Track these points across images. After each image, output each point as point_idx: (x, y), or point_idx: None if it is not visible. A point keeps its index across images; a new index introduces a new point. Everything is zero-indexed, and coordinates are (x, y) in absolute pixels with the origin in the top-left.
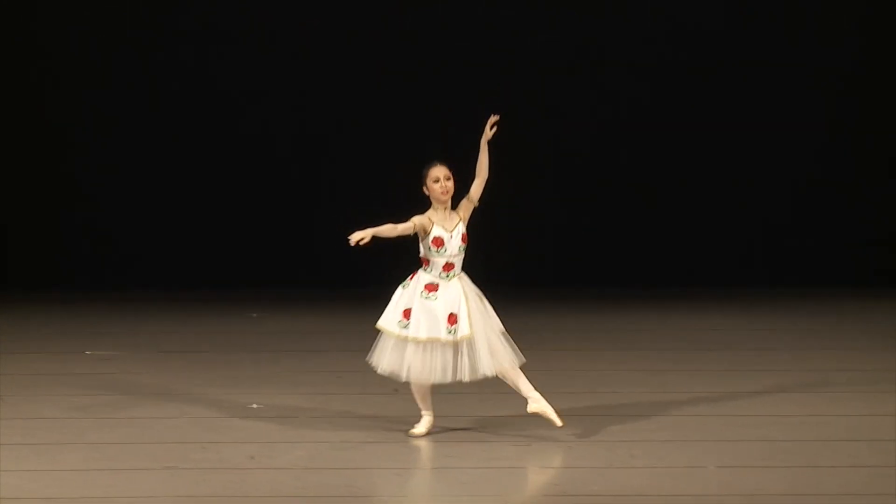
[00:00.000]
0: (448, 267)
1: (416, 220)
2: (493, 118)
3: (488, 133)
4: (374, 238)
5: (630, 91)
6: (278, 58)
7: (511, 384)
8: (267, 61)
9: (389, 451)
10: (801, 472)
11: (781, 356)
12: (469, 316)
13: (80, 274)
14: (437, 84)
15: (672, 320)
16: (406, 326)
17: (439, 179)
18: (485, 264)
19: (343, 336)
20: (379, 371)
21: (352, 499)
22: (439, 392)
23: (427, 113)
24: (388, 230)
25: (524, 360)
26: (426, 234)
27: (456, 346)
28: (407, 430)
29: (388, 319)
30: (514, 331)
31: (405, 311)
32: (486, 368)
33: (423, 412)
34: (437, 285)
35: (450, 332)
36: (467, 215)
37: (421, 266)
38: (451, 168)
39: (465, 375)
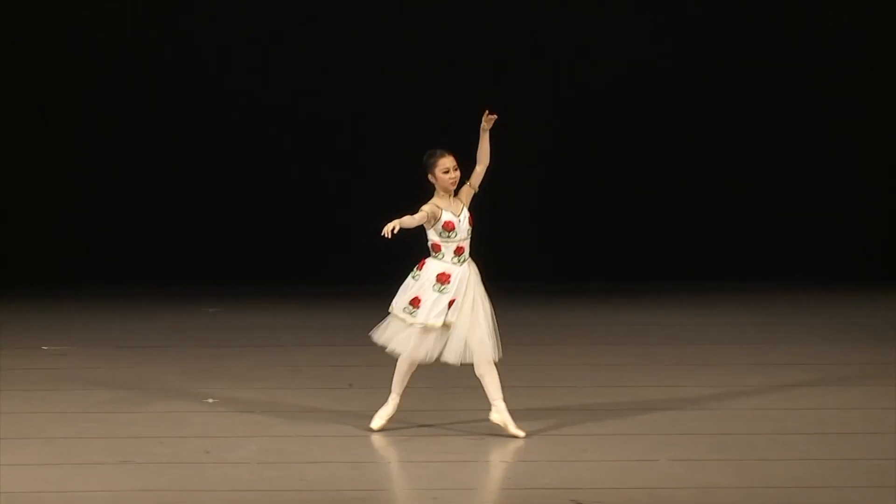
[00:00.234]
0: (459, 250)
1: (427, 209)
2: (487, 115)
3: (486, 123)
4: (403, 228)
5: (625, 89)
6: (276, 57)
7: (482, 380)
8: (265, 61)
9: (345, 445)
10: (751, 465)
11: (733, 351)
12: (460, 306)
13: (39, 270)
14: (437, 82)
15: (624, 315)
16: (413, 313)
17: (448, 170)
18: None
19: (299, 332)
20: (380, 344)
21: (307, 493)
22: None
23: (424, 112)
24: (409, 220)
25: (500, 355)
26: (436, 220)
27: (447, 328)
28: (365, 426)
29: (398, 304)
30: None
31: (414, 298)
32: (454, 357)
33: (393, 394)
34: (450, 275)
35: (448, 314)
36: (468, 200)
37: (430, 253)
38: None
39: (454, 359)
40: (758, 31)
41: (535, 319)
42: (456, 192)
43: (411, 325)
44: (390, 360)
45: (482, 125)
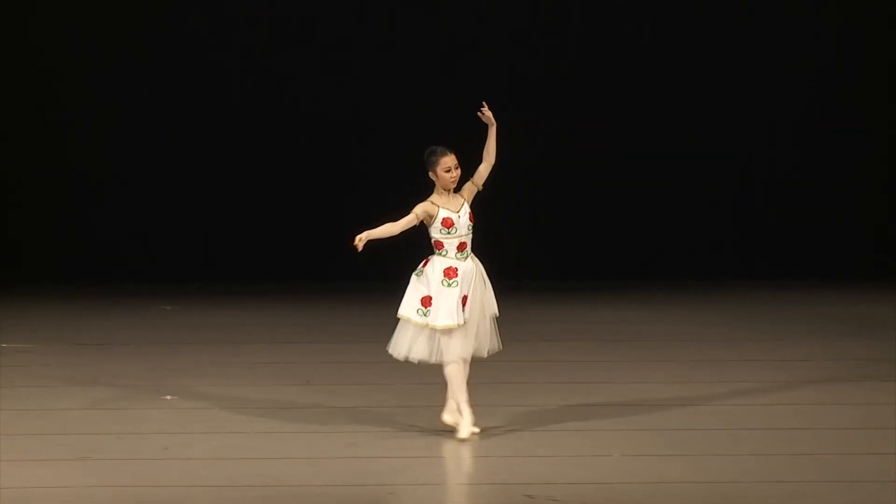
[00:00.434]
0: (462, 247)
1: (420, 210)
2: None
3: (487, 119)
4: (373, 240)
5: (625, 89)
6: (274, 56)
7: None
8: (261, 60)
9: (302, 441)
10: (704, 461)
11: (687, 347)
12: (485, 297)
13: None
14: (436, 80)
15: (582, 312)
16: (426, 314)
17: (450, 169)
18: None
19: (256, 329)
20: (401, 359)
21: (266, 488)
22: (349, 382)
23: (422, 111)
24: (388, 230)
25: (501, 348)
26: (432, 218)
27: (472, 325)
28: (321, 421)
29: (408, 308)
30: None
31: (424, 298)
32: (493, 345)
33: (462, 403)
34: (456, 269)
35: (464, 312)
36: (471, 197)
37: (434, 251)
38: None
39: (484, 352)
40: (755, 29)
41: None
42: (458, 189)
43: (426, 326)
44: (347, 357)
45: (486, 121)
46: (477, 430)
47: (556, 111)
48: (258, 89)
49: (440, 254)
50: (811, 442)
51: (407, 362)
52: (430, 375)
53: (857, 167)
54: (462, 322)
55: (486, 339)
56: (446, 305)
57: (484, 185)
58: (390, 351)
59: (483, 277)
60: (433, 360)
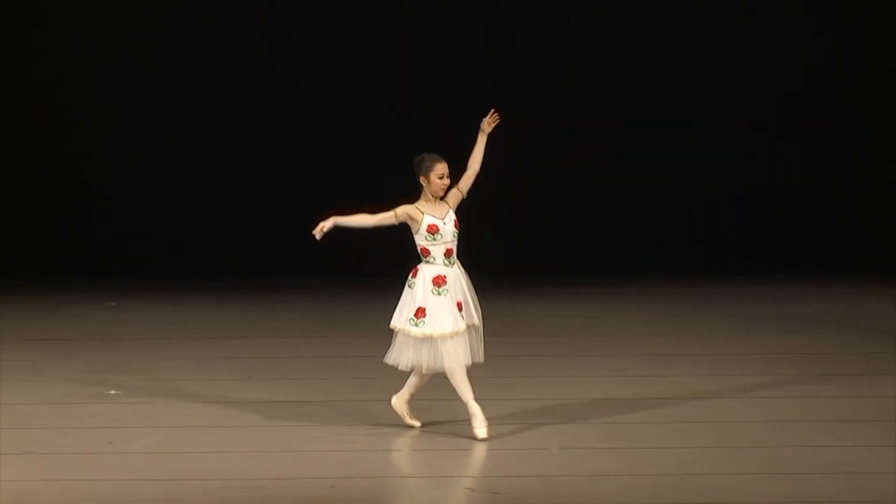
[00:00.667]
0: (448, 252)
1: (401, 211)
2: (493, 115)
3: (487, 125)
4: (338, 227)
5: (623, 88)
6: (274, 56)
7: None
8: (261, 59)
9: (245, 435)
10: (641, 453)
11: (623, 342)
12: (472, 304)
13: None
14: (429, 80)
15: (522, 307)
16: (418, 324)
17: (442, 176)
18: None
19: (200, 324)
20: (400, 368)
21: (209, 482)
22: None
23: (415, 114)
24: (361, 220)
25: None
26: (417, 224)
27: (466, 333)
28: (264, 415)
29: (402, 319)
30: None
31: (418, 309)
32: (478, 357)
33: (469, 403)
34: (445, 276)
35: (462, 318)
36: (456, 204)
37: (421, 259)
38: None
39: (480, 357)
40: (755, 29)
41: None
42: (443, 197)
43: (424, 336)
44: (289, 352)
45: (482, 126)
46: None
47: (554, 110)
48: (258, 89)
49: (427, 261)
50: (747, 434)
51: (348, 359)
52: (371, 370)
53: (857, 167)
54: (462, 327)
55: (477, 345)
56: (442, 313)
57: (468, 192)
58: (390, 362)
59: (468, 285)
60: (433, 369)
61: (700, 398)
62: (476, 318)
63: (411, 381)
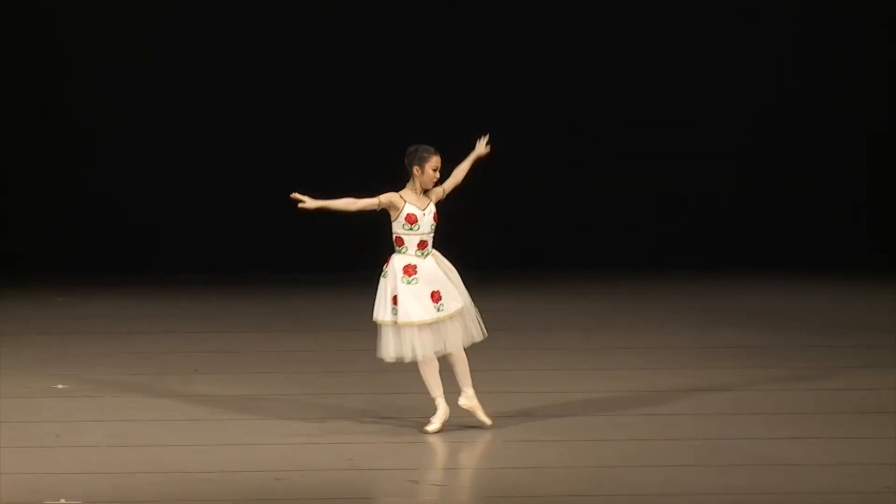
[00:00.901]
0: (422, 245)
1: (384, 197)
2: (484, 141)
3: (481, 149)
4: (323, 209)
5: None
6: (274, 56)
7: (454, 365)
8: (260, 59)
9: (192, 429)
10: (582, 446)
11: (567, 335)
12: (455, 288)
13: None
14: (423, 80)
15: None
16: (396, 312)
17: (437, 168)
18: None
19: (147, 319)
20: (388, 360)
21: (156, 475)
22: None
23: (414, 113)
24: (345, 204)
25: (485, 335)
26: (397, 211)
27: (448, 320)
28: (210, 409)
29: (382, 311)
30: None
31: (392, 297)
32: (477, 335)
33: (437, 399)
34: (415, 266)
35: (437, 309)
36: (436, 200)
37: (394, 249)
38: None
39: (459, 344)
40: (755, 28)
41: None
42: (428, 190)
43: (398, 324)
44: (235, 346)
45: (478, 147)
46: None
47: (549, 109)
48: (257, 89)
49: (399, 251)
50: (687, 427)
51: (294, 353)
52: (320, 364)
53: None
54: (430, 318)
55: (473, 325)
56: (411, 302)
57: (433, 220)
58: (380, 356)
59: (452, 270)
60: (409, 359)
61: (640, 391)
62: (461, 303)
63: (459, 375)
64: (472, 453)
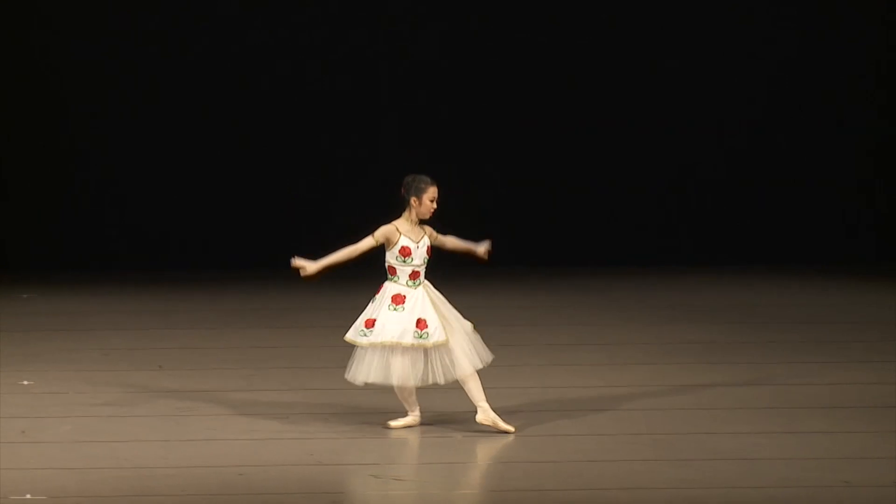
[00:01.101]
0: (414, 275)
1: (380, 233)
2: (486, 247)
3: (480, 250)
4: (326, 269)
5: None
6: (273, 54)
7: (465, 386)
8: (261, 59)
9: (155, 424)
10: (541, 441)
11: (526, 331)
12: (442, 321)
13: None
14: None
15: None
16: (366, 334)
17: (434, 200)
18: None
19: (111, 315)
20: (357, 383)
21: (120, 470)
22: (200, 368)
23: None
24: (347, 254)
25: (492, 356)
26: (392, 244)
27: (427, 351)
28: (174, 405)
29: (353, 330)
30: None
31: (367, 320)
32: (465, 368)
33: (409, 412)
34: (405, 296)
35: (419, 336)
36: (429, 236)
37: (387, 276)
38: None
39: (441, 378)
40: (754, 28)
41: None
42: (424, 221)
43: (368, 345)
44: (198, 342)
45: (479, 250)
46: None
47: (541, 109)
48: (259, 89)
49: (392, 279)
50: (644, 422)
51: (256, 349)
52: (277, 360)
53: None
54: (408, 343)
55: (462, 354)
56: (390, 323)
57: (426, 253)
58: (348, 378)
59: (444, 301)
60: (391, 382)
61: (598, 386)
62: (443, 336)
63: (472, 393)
64: (433, 449)
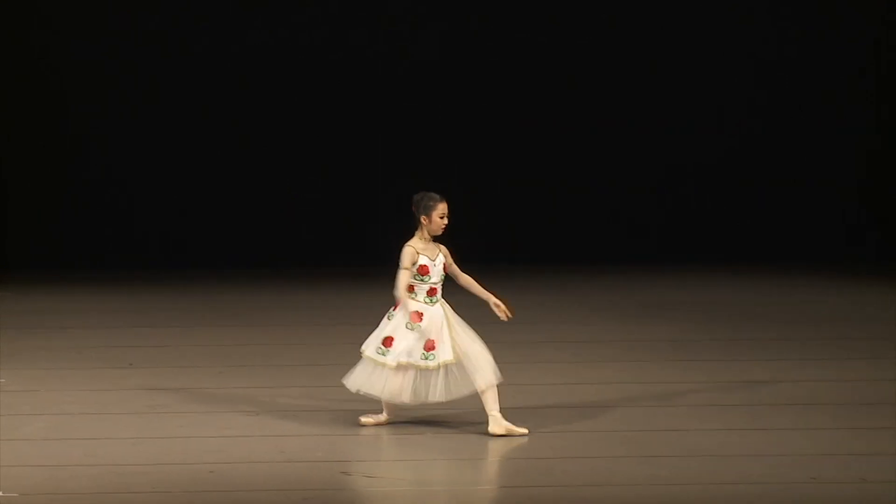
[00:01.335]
0: (432, 292)
1: (408, 261)
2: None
3: (500, 309)
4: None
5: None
6: (273, 53)
7: (483, 397)
8: (259, 58)
9: (127, 422)
10: (511, 438)
11: (496, 328)
12: (453, 341)
13: None
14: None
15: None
16: (384, 353)
17: (444, 216)
18: None
19: (83, 314)
20: (352, 391)
21: (92, 467)
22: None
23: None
24: (404, 280)
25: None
26: (412, 265)
27: (430, 371)
28: (146, 402)
29: (370, 345)
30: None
31: (387, 338)
32: (466, 389)
33: (384, 413)
34: (422, 313)
35: (426, 357)
36: (445, 256)
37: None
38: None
39: (441, 397)
40: (753, 28)
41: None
42: (436, 239)
43: (382, 364)
44: (170, 340)
45: (496, 306)
46: (371, 421)
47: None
48: (259, 89)
49: (410, 296)
50: (616, 419)
51: (227, 347)
52: (247, 358)
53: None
54: (417, 362)
55: (477, 370)
56: (406, 346)
57: (447, 266)
58: (346, 383)
59: (459, 321)
60: (377, 396)
61: (566, 383)
62: (450, 356)
63: (486, 399)
64: (403, 447)
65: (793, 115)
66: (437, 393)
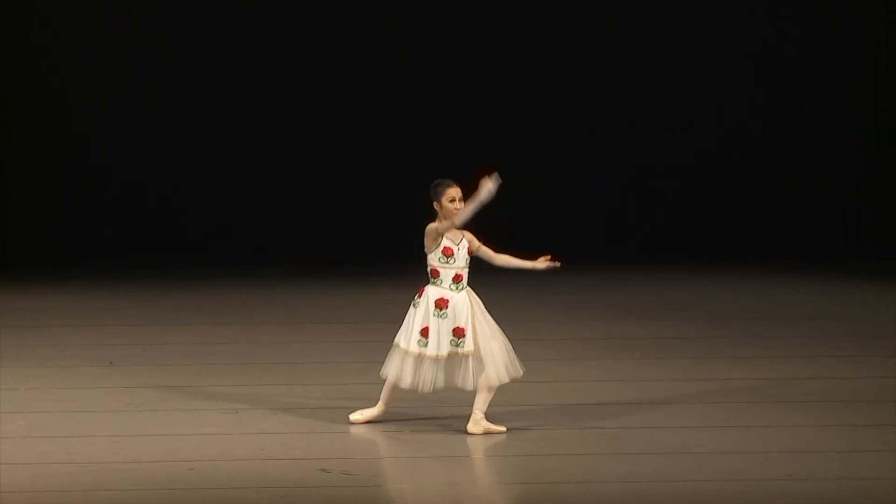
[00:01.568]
0: (458, 278)
1: (432, 227)
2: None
3: (539, 264)
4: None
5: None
6: (273, 54)
7: (478, 392)
8: (259, 58)
9: (107, 420)
10: (489, 435)
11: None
12: (475, 331)
13: None
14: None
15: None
16: (426, 345)
17: (454, 199)
18: None
19: (63, 312)
20: (402, 386)
21: (70, 465)
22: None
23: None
24: (471, 205)
25: (522, 371)
26: (435, 243)
27: (458, 358)
28: (124, 400)
29: (409, 339)
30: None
31: (423, 329)
32: (492, 379)
33: (379, 403)
34: (448, 300)
35: (456, 344)
36: (469, 240)
37: (429, 279)
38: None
39: (468, 384)
40: (753, 27)
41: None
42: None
43: (420, 355)
44: (149, 338)
45: (536, 263)
46: (361, 418)
47: (537, 110)
48: (259, 89)
49: (434, 282)
50: (594, 416)
51: (207, 345)
52: (230, 356)
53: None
54: (448, 351)
55: (501, 365)
56: (440, 335)
57: (473, 248)
58: (386, 375)
59: (483, 310)
60: (461, 384)
61: (549, 381)
62: (471, 346)
63: (478, 398)
64: (382, 444)
65: (793, 115)
66: (469, 381)
